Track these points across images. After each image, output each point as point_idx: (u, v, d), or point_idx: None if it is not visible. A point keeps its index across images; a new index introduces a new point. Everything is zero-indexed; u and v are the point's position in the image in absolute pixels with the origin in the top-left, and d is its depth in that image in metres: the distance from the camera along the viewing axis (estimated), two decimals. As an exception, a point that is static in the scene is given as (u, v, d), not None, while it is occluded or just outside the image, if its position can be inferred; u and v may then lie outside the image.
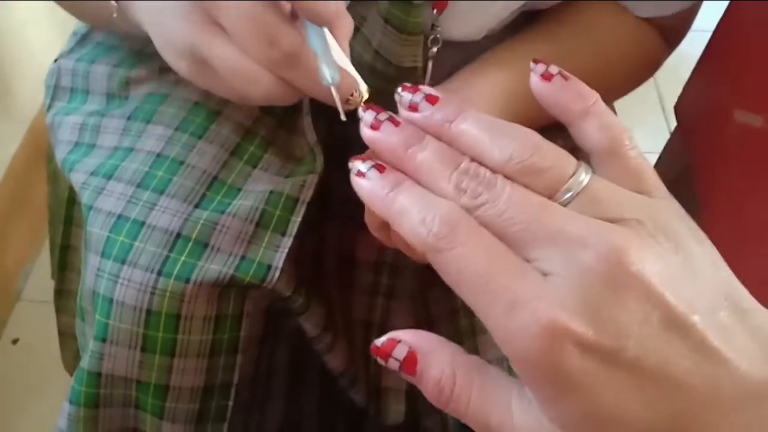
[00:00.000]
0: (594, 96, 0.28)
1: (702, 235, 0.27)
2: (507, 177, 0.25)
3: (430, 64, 0.55)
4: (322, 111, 0.45)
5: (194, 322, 0.46)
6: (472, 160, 0.26)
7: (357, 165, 0.27)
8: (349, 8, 0.52)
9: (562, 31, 0.57)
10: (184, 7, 0.36)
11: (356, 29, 0.53)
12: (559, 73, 0.29)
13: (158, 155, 0.49)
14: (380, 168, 0.26)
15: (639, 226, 0.25)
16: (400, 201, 0.25)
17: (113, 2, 0.43)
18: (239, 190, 0.49)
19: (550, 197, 0.25)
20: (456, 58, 0.55)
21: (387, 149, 0.27)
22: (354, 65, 0.56)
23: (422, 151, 0.26)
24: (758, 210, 0.57)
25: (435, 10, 0.51)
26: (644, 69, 0.63)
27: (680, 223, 0.26)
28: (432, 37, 0.53)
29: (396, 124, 0.27)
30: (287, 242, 0.47)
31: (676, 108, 0.73)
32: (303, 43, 0.34)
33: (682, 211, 0.27)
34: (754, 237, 0.57)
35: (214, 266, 0.45)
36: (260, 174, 0.51)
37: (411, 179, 0.26)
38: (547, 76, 0.28)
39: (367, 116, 0.27)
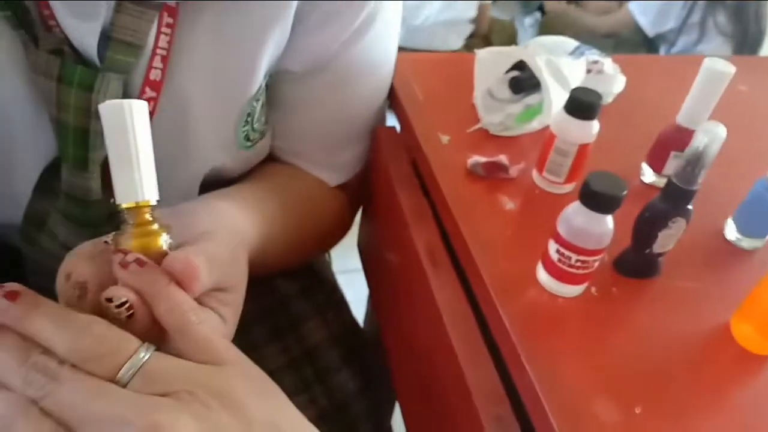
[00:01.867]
0: (165, 280, 0.31)
1: (273, 391, 0.30)
2: (73, 365, 0.27)
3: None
4: None
5: None
6: (45, 352, 0.27)
7: None
8: (33, 202, 0.49)
9: (271, 197, 0.57)
10: None
11: (43, 223, 0.51)
12: (136, 260, 0.31)
13: None
14: None
15: (190, 397, 0.27)
16: None
17: None
18: None
19: (112, 379, 0.27)
20: None
21: None
22: (44, 260, 0.52)
23: None
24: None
25: (113, 200, 0.50)
26: (341, 225, 0.68)
27: (244, 385, 0.29)
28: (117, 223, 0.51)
29: None
30: None
31: (358, 246, 0.77)
32: None
33: (252, 373, 0.30)
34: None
35: None
36: None
37: None
38: (124, 264, 0.31)
39: None
